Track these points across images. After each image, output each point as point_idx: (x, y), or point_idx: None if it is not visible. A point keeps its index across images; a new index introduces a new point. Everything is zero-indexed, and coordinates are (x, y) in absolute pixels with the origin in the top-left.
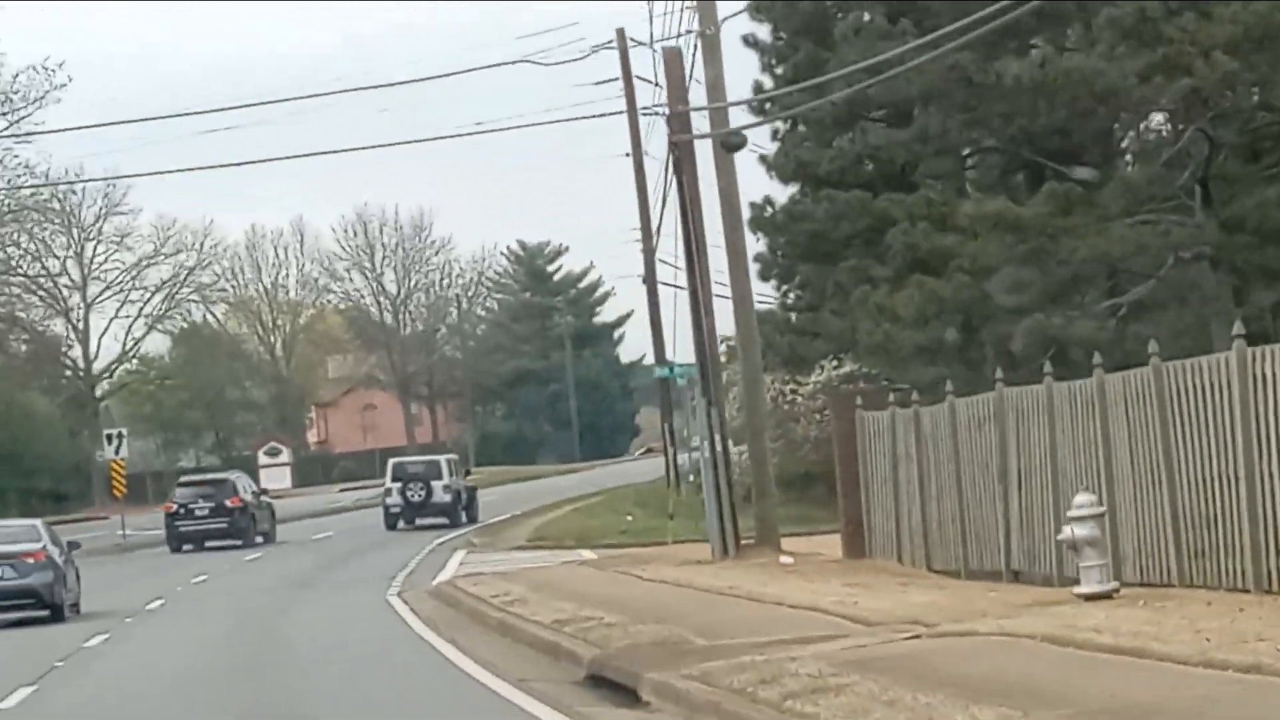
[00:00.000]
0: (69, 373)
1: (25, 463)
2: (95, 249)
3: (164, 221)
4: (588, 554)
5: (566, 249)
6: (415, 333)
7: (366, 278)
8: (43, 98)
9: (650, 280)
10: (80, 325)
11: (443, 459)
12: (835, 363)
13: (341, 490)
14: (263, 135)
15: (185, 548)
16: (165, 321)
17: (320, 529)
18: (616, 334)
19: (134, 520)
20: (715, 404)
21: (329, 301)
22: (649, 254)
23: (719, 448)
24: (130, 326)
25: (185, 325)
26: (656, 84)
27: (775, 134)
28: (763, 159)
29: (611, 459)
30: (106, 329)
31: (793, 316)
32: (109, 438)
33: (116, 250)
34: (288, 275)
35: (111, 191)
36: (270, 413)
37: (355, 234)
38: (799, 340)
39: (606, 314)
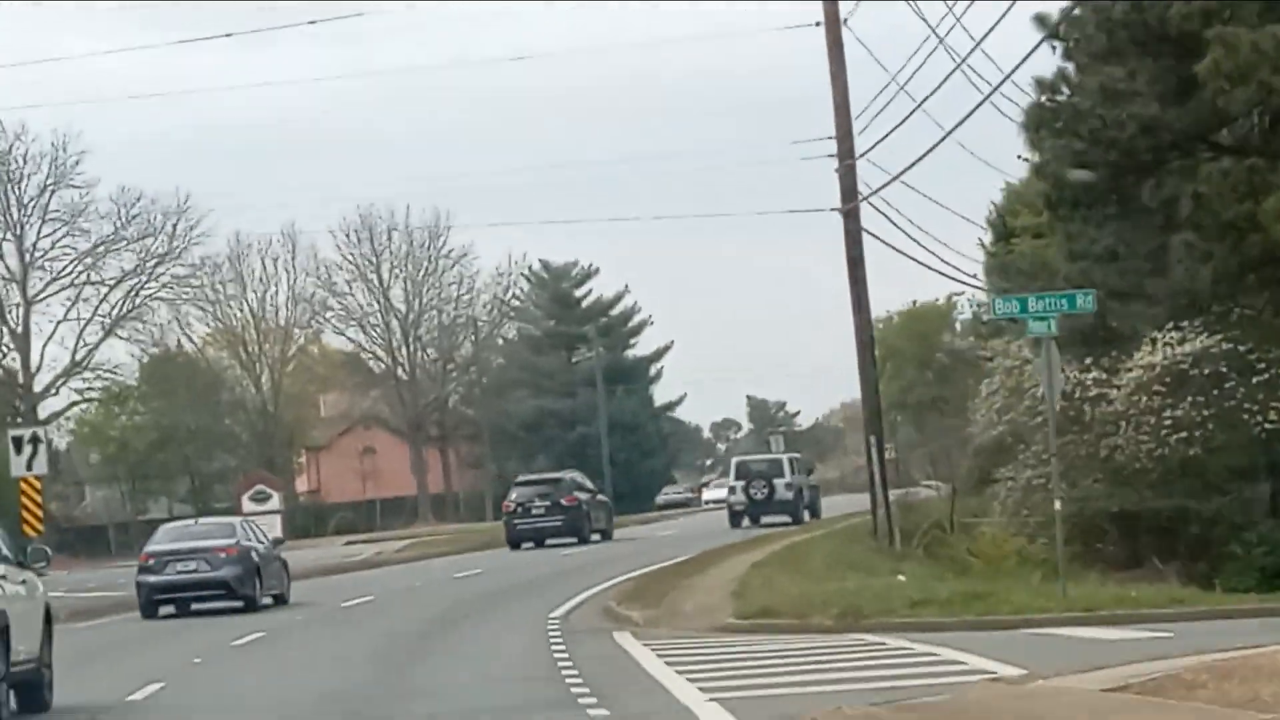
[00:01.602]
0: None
1: None
2: (39, 230)
3: (127, 196)
4: (994, 666)
5: (597, 270)
6: (427, 362)
7: (372, 292)
8: None
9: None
10: (18, 328)
11: (785, 457)
12: (1175, 334)
13: (348, 544)
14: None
15: (525, 545)
16: (126, 325)
17: (361, 586)
18: (653, 369)
19: (82, 577)
20: None
21: (326, 320)
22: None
23: None
24: (81, 331)
25: (154, 330)
26: None
27: None
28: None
29: (656, 511)
30: (52, 333)
31: (1092, 270)
32: (16, 443)
33: (66, 232)
34: (277, 293)
35: (61, 158)
36: (254, 456)
37: (358, 240)
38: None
39: (642, 346)
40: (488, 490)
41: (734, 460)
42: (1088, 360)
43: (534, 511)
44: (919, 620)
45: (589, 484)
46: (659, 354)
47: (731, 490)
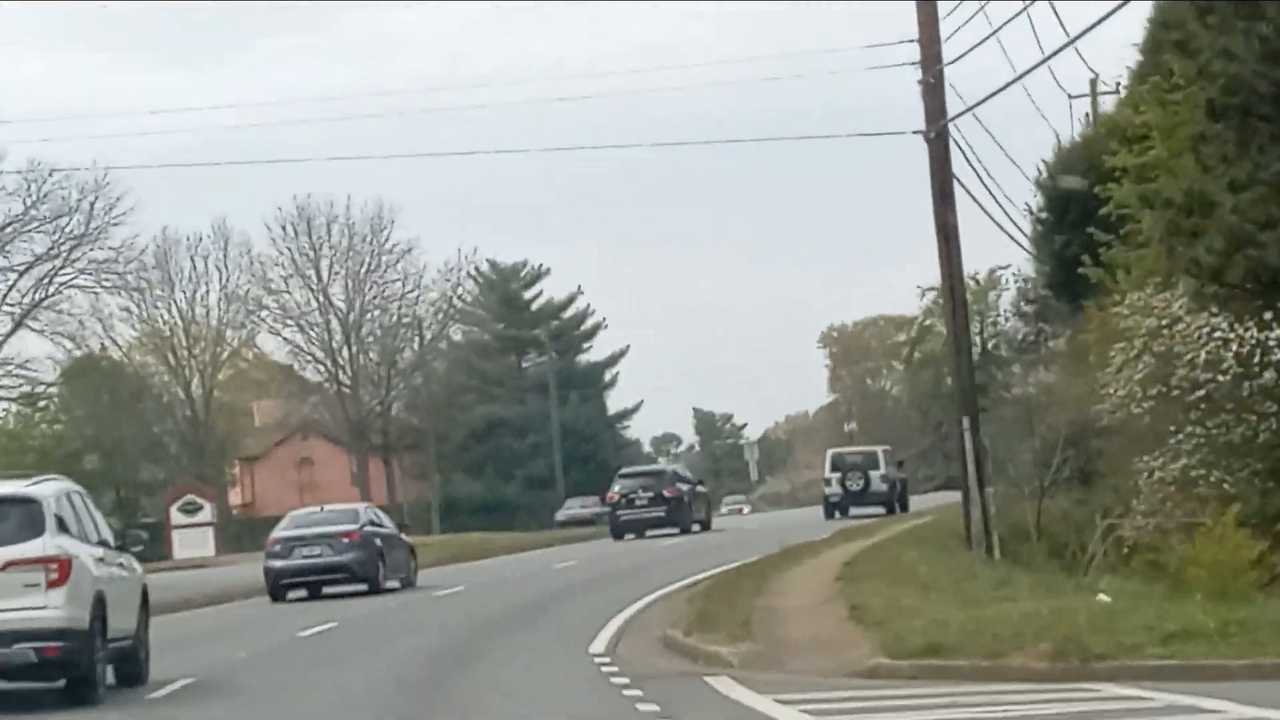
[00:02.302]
0: None
1: None
2: None
3: (38, 171)
4: None
5: (548, 271)
6: (370, 365)
7: (310, 289)
8: None
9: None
10: None
11: (879, 449)
12: None
13: None
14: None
15: (627, 536)
16: (40, 317)
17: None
18: (608, 375)
19: None
20: None
21: (261, 320)
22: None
23: None
24: None
25: (70, 321)
26: None
27: None
28: None
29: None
30: None
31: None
32: None
33: None
34: (208, 293)
35: None
36: (184, 467)
37: (295, 233)
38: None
39: (596, 351)
40: (434, 502)
41: (829, 453)
42: (1268, 315)
43: (638, 503)
44: (1186, 663)
45: (689, 475)
46: (614, 359)
47: (827, 482)
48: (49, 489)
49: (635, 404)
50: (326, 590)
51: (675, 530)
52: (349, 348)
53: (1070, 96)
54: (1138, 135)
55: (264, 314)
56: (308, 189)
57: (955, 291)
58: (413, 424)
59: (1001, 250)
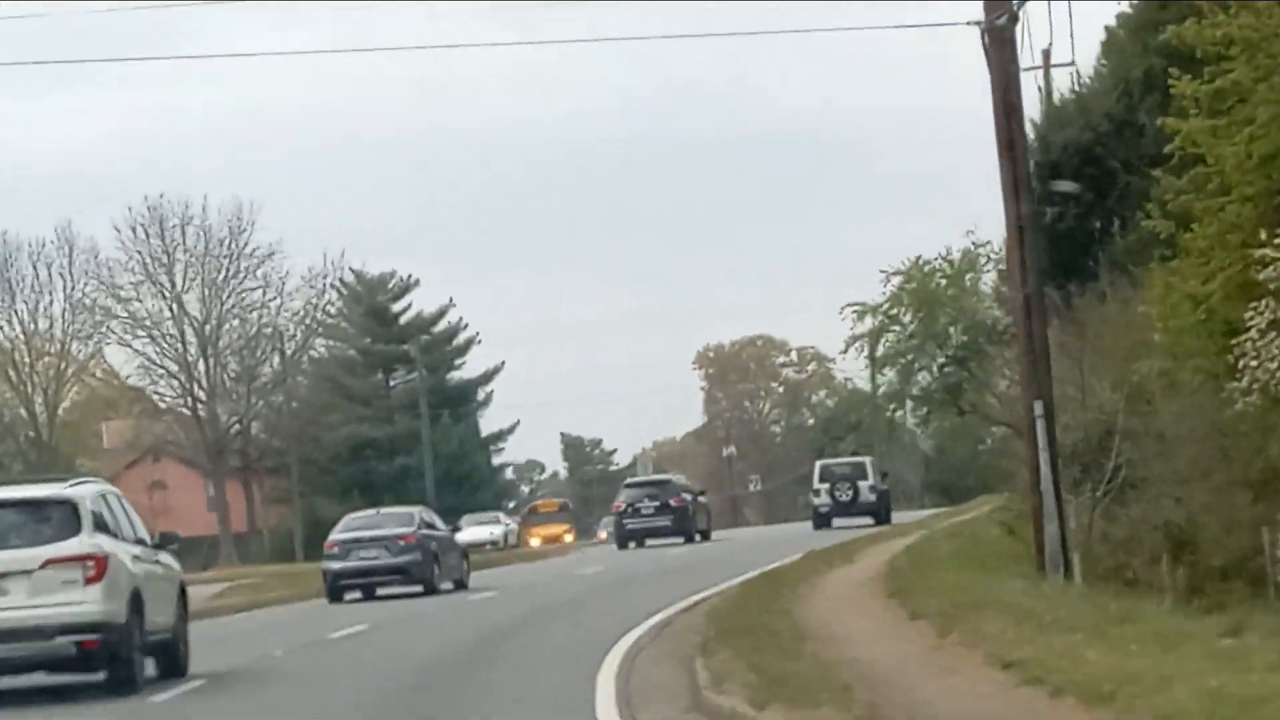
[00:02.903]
0: None
1: None
2: None
3: None
4: None
5: (417, 282)
6: (227, 380)
7: (163, 297)
8: None
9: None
10: None
11: (867, 460)
12: None
13: None
14: None
15: (629, 544)
16: None
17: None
18: (481, 393)
19: None
20: None
21: (109, 330)
22: None
23: None
24: None
25: None
26: None
27: None
28: None
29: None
30: None
31: None
32: None
33: None
34: (52, 303)
35: None
36: None
37: (146, 236)
38: None
39: (469, 368)
40: (297, 528)
41: (818, 464)
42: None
43: (644, 512)
44: None
45: (691, 485)
46: (487, 377)
47: (816, 493)
48: (86, 490)
49: (510, 424)
50: (380, 591)
51: (680, 539)
52: (205, 361)
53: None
54: (1211, 55)
55: (112, 324)
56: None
57: (1021, 232)
58: (274, 445)
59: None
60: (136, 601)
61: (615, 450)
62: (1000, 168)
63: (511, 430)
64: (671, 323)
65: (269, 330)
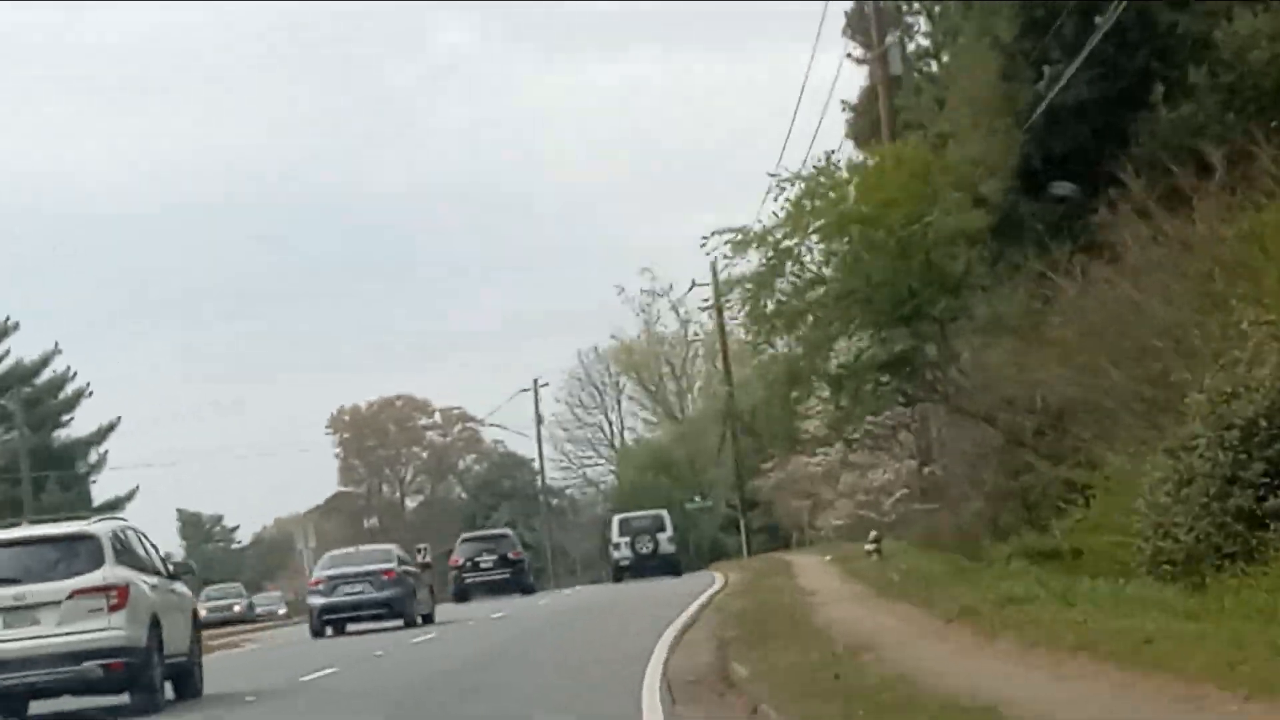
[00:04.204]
0: None
1: None
2: None
3: None
4: None
5: (16, 326)
6: None
7: None
8: None
9: None
10: None
11: (663, 512)
12: None
13: None
14: None
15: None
16: None
17: None
18: (94, 455)
19: None
20: None
21: None
22: None
23: None
24: None
25: None
26: None
27: None
28: None
29: None
30: None
31: None
32: None
33: None
34: None
35: None
36: None
37: None
38: None
39: (79, 425)
40: None
41: (616, 518)
42: None
43: (482, 565)
44: None
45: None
46: (101, 435)
47: (616, 547)
48: (106, 526)
49: (129, 491)
50: (352, 627)
51: (518, 593)
52: None
53: None
54: None
55: None
56: None
57: None
58: None
59: None
60: (156, 627)
61: (238, 527)
62: None
63: (130, 497)
64: (304, 384)
65: None
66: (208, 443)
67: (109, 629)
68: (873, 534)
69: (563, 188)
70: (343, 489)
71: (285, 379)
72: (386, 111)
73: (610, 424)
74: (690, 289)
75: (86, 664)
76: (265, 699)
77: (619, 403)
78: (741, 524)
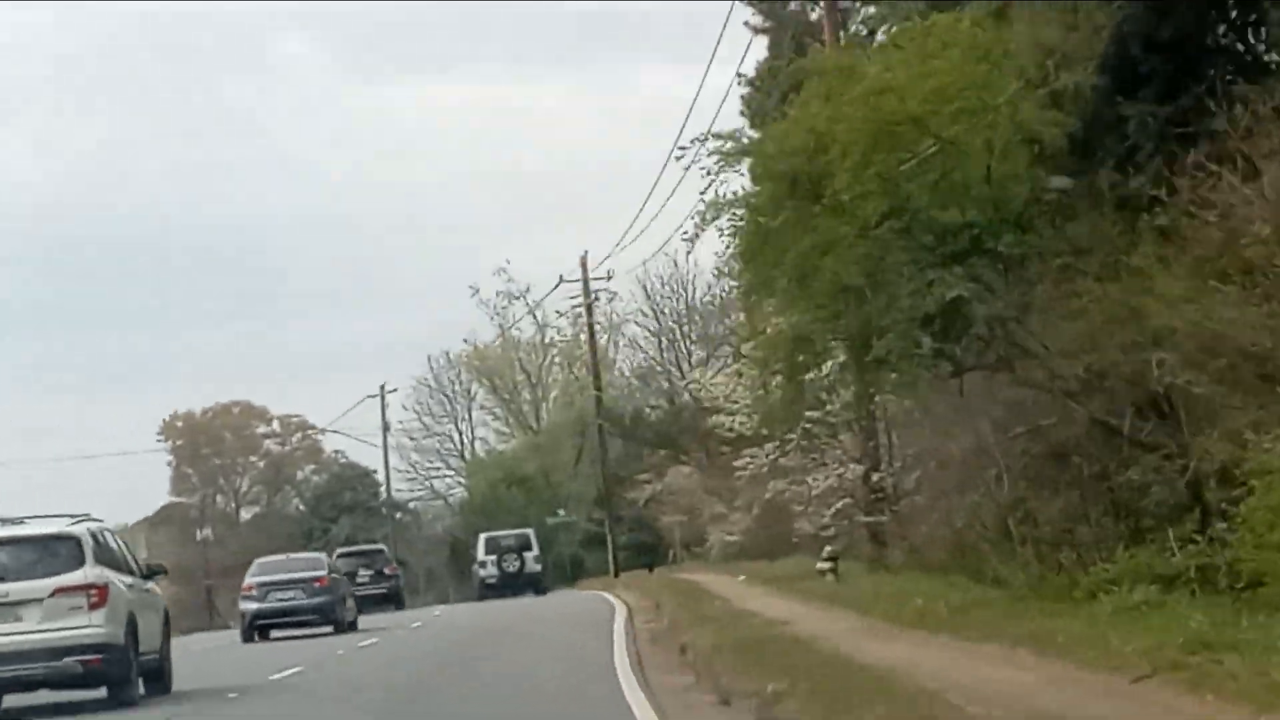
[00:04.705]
0: None
1: None
2: None
3: None
4: None
5: None
6: None
7: None
8: None
9: None
10: None
11: (529, 531)
12: None
13: None
14: None
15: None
16: None
17: None
18: None
19: None
20: None
21: None
22: None
23: None
24: None
25: None
26: None
27: None
28: None
29: None
30: None
31: None
32: None
33: None
34: None
35: None
36: None
37: None
38: None
39: None
40: None
41: (482, 536)
42: None
43: (359, 579)
44: None
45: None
46: None
47: (482, 565)
48: (85, 527)
49: None
50: (277, 633)
51: (393, 608)
52: None
53: None
54: None
55: None
56: None
57: None
58: None
59: None
60: (132, 625)
61: None
62: None
63: None
64: (134, 388)
65: None
66: (28, 450)
67: (89, 626)
68: (828, 549)
69: (410, 204)
70: (174, 499)
71: (112, 393)
72: (226, 129)
73: (460, 434)
74: (557, 285)
75: (67, 659)
76: (248, 696)
77: (470, 412)
78: (609, 540)
